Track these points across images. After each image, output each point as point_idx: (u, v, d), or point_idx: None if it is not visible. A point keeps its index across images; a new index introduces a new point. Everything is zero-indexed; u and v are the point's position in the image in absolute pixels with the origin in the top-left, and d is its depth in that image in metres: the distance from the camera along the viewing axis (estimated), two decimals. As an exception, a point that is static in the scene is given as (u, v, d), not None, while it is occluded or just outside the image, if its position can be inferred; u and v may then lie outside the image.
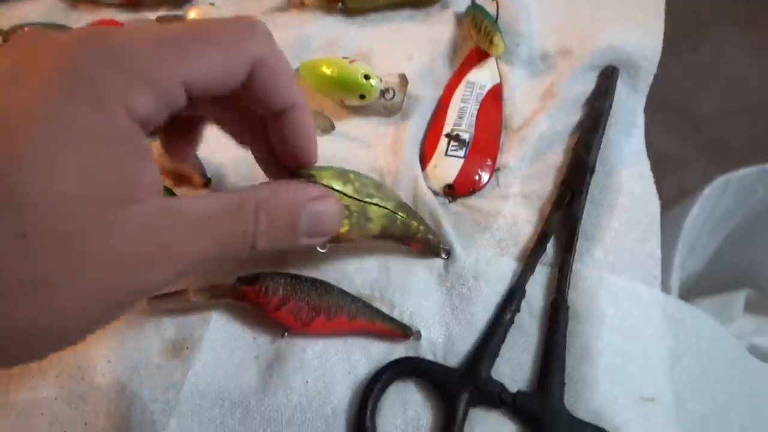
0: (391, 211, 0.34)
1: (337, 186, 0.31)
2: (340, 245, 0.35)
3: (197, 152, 0.41)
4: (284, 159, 0.30)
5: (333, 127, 0.42)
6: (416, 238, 0.35)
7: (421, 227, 0.35)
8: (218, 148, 0.42)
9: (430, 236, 0.36)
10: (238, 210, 0.24)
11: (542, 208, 0.38)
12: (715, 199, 0.79)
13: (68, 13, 0.53)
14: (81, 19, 0.52)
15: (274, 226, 0.25)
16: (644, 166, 0.40)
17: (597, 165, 0.39)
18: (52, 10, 0.54)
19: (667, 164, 1.42)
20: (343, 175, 0.32)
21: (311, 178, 0.31)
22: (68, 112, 0.19)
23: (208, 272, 0.36)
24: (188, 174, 0.40)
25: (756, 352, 0.79)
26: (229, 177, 0.41)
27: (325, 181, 0.31)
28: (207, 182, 0.40)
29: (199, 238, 0.22)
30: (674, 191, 1.40)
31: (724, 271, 0.89)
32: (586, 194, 0.38)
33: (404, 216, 0.34)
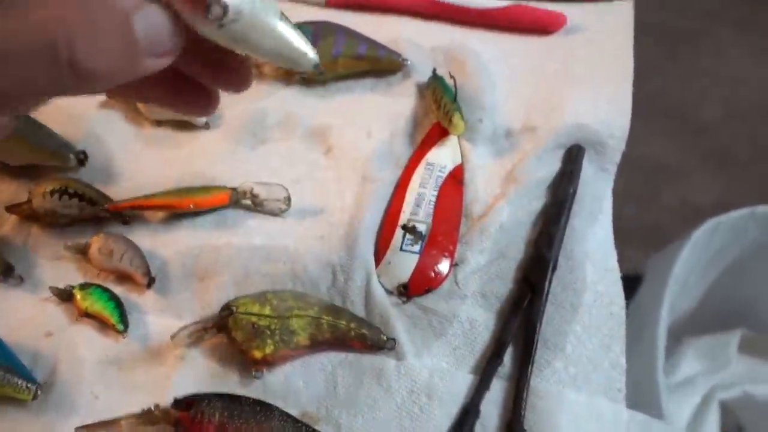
0: (313, 317, 0.34)
1: (255, 309, 0.34)
2: (272, 367, 0.34)
3: (140, 247, 0.39)
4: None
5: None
6: (351, 337, 0.35)
7: (352, 324, 0.35)
8: (167, 241, 0.41)
9: (365, 331, 0.35)
10: (33, 15, 0.19)
11: (501, 309, 0.36)
12: (706, 241, 0.77)
13: None
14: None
15: (99, 33, 0.19)
16: (610, 258, 0.38)
17: (560, 259, 0.37)
18: None
19: (667, 175, 1.38)
20: (260, 297, 0.35)
21: (230, 308, 0.34)
22: None
23: (143, 390, 0.34)
24: (130, 273, 0.38)
25: (750, 401, 0.77)
26: (175, 272, 0.39)
27: (242, 309, 0.34)
28: (150, 281, 0.38)
29: None
30: (677, 204, 1.35)
31: (716, 310, 0.87)
32: (547, 294, 0.36)
33: (329, 318, 0.35)
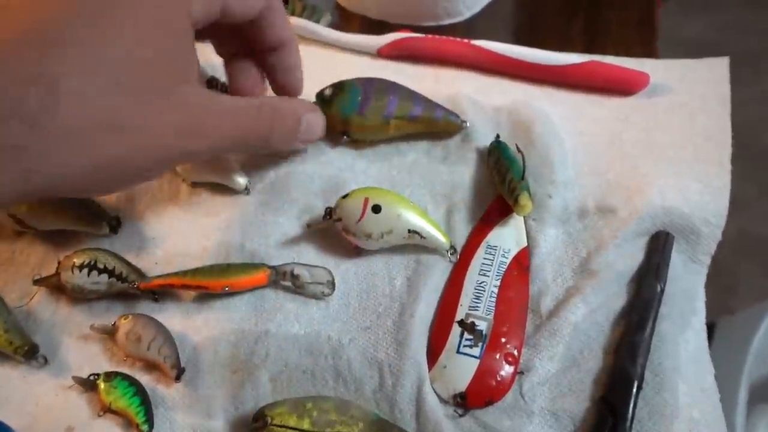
0: None
1: (292, 422, 0.31)
2: None
3: (170, 330, 0.36)
4: (276, 91, 0.38)
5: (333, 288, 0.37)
6: None
7: None
8: (199, 324, 0.37)
9: None
10: (259, 110, 0.31)
11: (575, 434, 0.31)
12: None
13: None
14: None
15: (283, 129, 0.33)
16: (707, 374, 0.32)
17: (646, 375, 0.32)
18: None
19: (725, 205, 1.29)
20: (299, 406, 0.31)
21: (265, 419, 0.31)
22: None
23: None
24: (158, 363, 0.35)
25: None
26: (206, 361, 0.36)
27: (278, 420, 0.31)
28: (179, 373, 0.35)
29: (228, 123, 0.30)
30: (735, 235, 1.26)
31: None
32: (632, 420, 0.30)
33: None
